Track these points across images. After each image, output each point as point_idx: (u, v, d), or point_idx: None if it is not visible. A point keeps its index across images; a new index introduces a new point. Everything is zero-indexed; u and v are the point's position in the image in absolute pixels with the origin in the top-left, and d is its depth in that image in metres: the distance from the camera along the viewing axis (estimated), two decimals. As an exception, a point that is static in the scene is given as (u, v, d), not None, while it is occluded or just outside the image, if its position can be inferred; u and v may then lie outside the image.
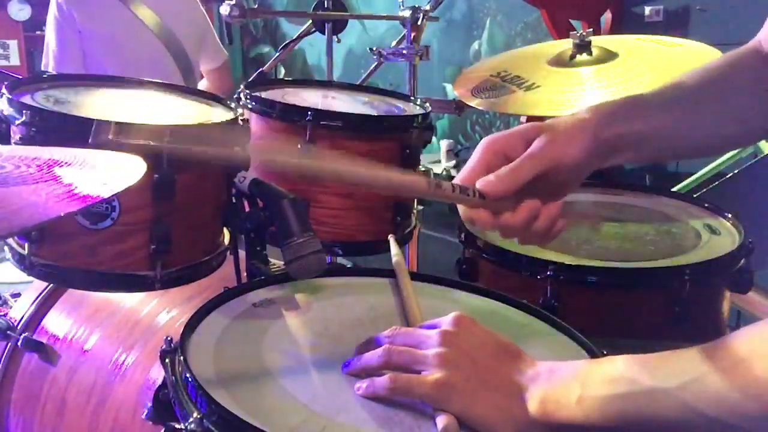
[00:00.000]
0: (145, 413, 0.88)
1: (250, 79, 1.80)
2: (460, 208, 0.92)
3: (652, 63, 1.60)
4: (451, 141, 5.04)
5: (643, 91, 1.01)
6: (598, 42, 1.70)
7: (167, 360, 0.81)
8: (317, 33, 2.29)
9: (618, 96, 1.13)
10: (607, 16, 4.21)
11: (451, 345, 0.77)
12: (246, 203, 1.16)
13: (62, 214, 0.58)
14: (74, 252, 1.06)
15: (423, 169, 1.44)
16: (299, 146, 1.23)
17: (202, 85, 2.92)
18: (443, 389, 0.74)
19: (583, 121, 0.94)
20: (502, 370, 0.77)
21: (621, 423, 0.70)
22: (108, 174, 0.75)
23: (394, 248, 1.13)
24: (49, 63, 2.59)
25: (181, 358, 0.78)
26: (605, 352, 0.86)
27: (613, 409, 0.70)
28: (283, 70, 4.93)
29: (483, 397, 0.74)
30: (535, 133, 0.92)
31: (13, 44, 5.71)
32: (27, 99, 1.09)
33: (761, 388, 0.63)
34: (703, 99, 1.00)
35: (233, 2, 2.03)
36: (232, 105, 1.26)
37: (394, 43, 2.21)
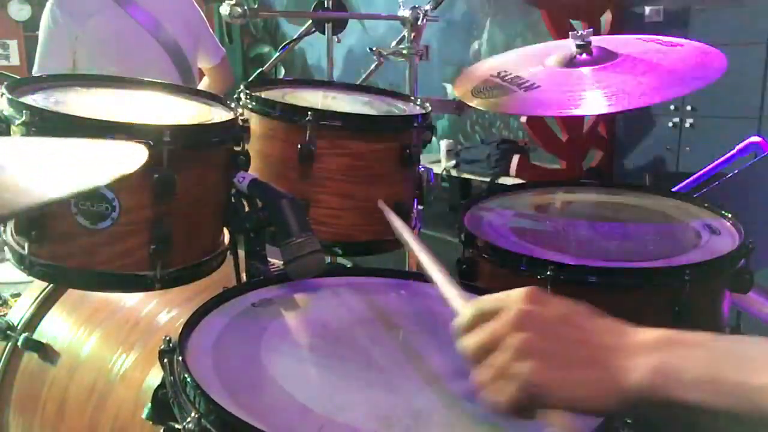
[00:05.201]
0: (145, 413, 0.89)
1: (250, 79, 1.80)
2: None
3: (652, 63, 1.59)
4: (451, 141, 5.05)
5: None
6: (598, 42, 1.69)
7: (166, 360, 0.81)
8: (317, 33, 2.28)
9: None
10: (607, 16, 4.21)
11: (532, 329, 0.69)
12: (246, 203, 1.17)
13: (63, 196, 0.58)
14: (74, 252, 1.06)
15: (423, 169, 1.44)
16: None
17: (204, 82, 2.92)
18: (539, 385, 0.67)
19: None
20: (591, 340, 0.69)
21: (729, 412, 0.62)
22: (107, 163, 0.75)
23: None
24: (37, 71, 2.56)
25: (180, 358, 0.78)
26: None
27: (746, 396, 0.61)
28: (283, 70, 4.93)
29: (579, 376, 0.67)
30: None
31: (13, 44, 5.72)
32: (27, 99, 1.09)
33: None
34: None
35: (233, 2, 2.03)
36: (232, 105, 1.26)
37: (394, 43, 2.21)
